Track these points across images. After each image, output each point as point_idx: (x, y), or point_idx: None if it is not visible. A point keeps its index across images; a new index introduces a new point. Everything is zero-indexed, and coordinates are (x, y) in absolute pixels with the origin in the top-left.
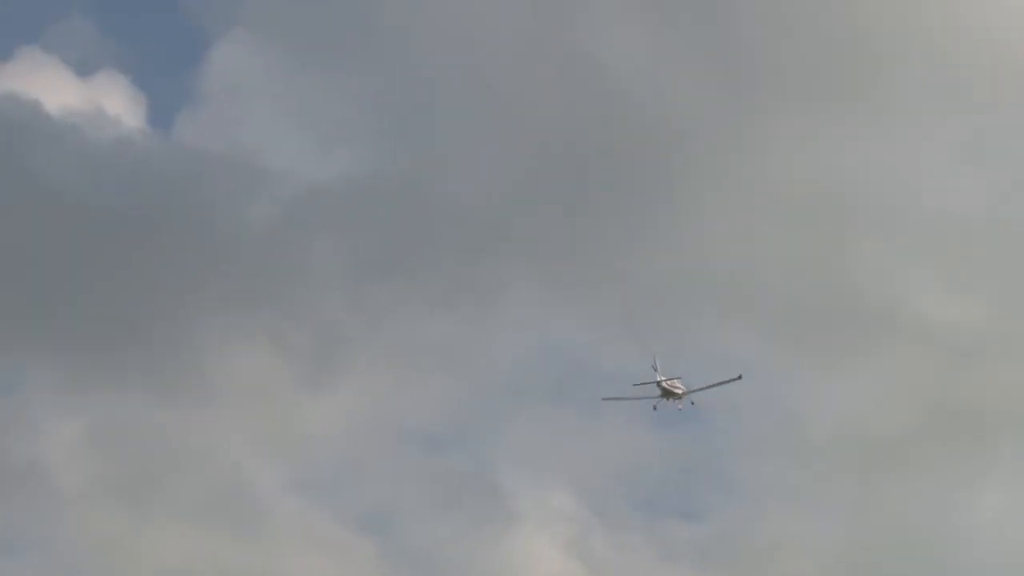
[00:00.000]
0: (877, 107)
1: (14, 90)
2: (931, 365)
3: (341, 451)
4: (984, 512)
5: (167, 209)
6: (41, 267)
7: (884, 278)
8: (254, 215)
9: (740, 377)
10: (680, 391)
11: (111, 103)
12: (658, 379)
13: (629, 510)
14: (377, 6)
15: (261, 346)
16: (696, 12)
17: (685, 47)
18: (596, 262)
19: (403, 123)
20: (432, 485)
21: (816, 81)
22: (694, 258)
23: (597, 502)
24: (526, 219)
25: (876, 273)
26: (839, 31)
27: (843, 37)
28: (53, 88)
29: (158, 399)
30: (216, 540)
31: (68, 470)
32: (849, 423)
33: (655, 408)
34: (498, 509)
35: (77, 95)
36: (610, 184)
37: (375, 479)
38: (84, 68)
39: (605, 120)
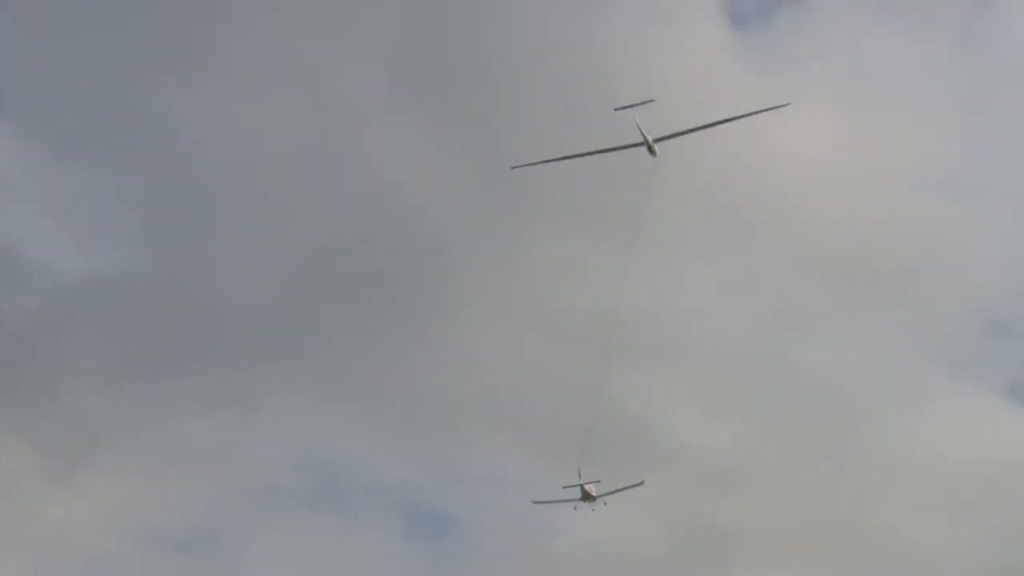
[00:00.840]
0: (648, 241)
1: None
2: (683, 486)
3: (87, 550)
4: None
5: None
6: None
7: (643, 400)
8: (12, 309)
9: (642, 483)
10: (594, 495)
11: None
12: (581, 483)
13: None
14: (147, 103)
15: (11, 441)
16: (476, 132)
17: (464, 166)
18: (363, 373)
19: (170, 221)
20: None
21: (591, 209)
22: (463, 375)
23: None
24: (294, 326)
25: (636, 396)
26: (614, 170)
27: (618, 174)
28: None
29: None
30: None
31: None
32: (602, 541)
33: (575, 508)
34: None
35: None
36: (383, 296)
37: None
38: None
39: (381, 233)
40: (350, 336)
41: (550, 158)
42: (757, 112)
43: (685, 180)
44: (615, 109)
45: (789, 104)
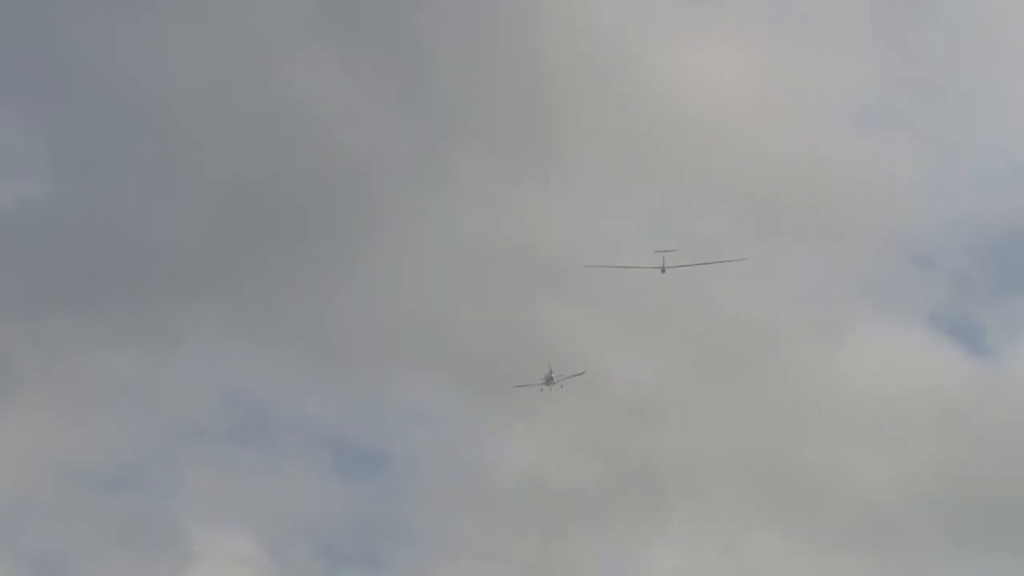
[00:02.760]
0: (569, 172)
1: None
2: (610, 421)
3: (11, 488)
4: (660, 568)
5: None
6: None
7: (568, 334)
8: None
9: (584, 372)
10: (554, 380)
11: None
12: (549, 372)
13: (309, 557)
14: (65, 33)
15: None
16: (402, 64)
17: (390, 99)
18: (286, 306)
19: (90, 153)
20: (107, 525)
21: (512, 140)
22: (387, 306)
23: (277, 547)
24: (216, 259)
25: (560, 328)
26: (536, 101)
27: (539, 104)
28: None
29: None
30: None
31: None
32: (530, 476)
33: (541, 390)
34: (175, 551)
35: None
36: (306, 228)
37: (47, 518)
38: None
39: (304, 164)
40: (272, 270)
41: (616, 264)
42: (723, 261)
43: (607, 113)
44: (654, 251)
45: (747, 259)
